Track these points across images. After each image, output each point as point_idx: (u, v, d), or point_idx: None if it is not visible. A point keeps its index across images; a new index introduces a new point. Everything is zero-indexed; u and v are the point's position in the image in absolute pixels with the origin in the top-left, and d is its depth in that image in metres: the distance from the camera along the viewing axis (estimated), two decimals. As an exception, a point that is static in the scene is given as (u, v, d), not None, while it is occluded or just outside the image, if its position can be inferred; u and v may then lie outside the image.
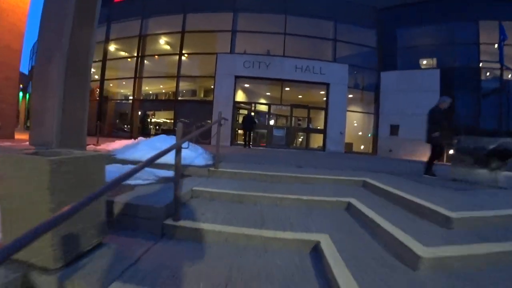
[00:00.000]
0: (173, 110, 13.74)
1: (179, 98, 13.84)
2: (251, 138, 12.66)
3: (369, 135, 15.53)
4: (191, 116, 13.69)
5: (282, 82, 13.30)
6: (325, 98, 13.87)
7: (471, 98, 14.58)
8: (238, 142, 14.34)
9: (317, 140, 14.60)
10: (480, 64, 14.59)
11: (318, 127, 14.17)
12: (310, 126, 13.37)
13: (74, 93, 3.88)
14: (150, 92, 16.22)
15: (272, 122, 13.97)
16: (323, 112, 14.25)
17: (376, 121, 15.11)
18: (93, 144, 7.77)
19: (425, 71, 14.69)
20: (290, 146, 13.11)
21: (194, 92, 15.10)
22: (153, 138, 6.17)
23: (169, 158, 2.63)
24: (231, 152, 8.61)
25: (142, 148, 5.21)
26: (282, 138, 12.96)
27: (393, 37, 15.72)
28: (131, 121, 14.71)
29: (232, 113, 12.78)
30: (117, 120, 16.10)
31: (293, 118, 13.50)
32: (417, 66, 15.66)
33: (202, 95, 14.84)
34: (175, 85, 13.81)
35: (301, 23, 14.04)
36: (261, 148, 12.50)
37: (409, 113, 14.39)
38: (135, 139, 7.29)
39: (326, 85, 13.74)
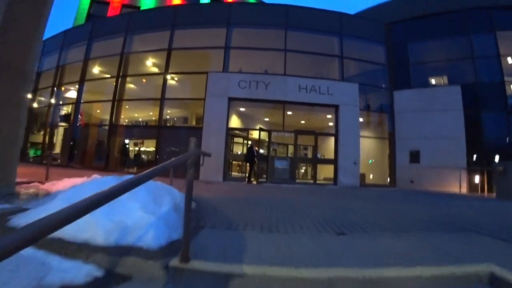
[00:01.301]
0: (156, 138, 11.63)
1: (163, 125, 11.78)
2: (254, 172, 10.51)
3: (370, 161, 13.42)
4: (177, 145, 11.57)
5: (284, 104, 11.38)
6: (333, 123, 11.92)
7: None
8: (233, 175, 12.12)
9: (326, 172, 12.45)
10: (505, 78, 12.92)
11: (328, 157, 12.07)
12: (318, 156, 11.30)
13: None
14: (131, 118, 14.20)
15: (273, 152, 11.82)
16: (332, 139, 12.22)
17: (392, 147, 13.09)
18: (38, 182, 5.73)
19: (445, 88, 12.93)
20: (294, 181, 10.91)
21: (181, 118, 13.10)
22: (88, 182, 3.93)
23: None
24: (223, 194, 6.37)
25: (59, 202, 2.96)
26: (286, 171, 10.80)
27: (404, 52, 14.14)
28: (107, 150, 12.52)
29: (226, 141, 10.70)
30: (94, 149, 13.90)
31: (298, 147, 11.40)
32: (432, 84, 13.95)
33: (192, 121, 12.83)
34: (159, 109, 11.82)
35: (302, 38, 12.41)
36: (261, 184, 10.28)
37: (430, 136, 12.45)
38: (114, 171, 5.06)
39: (335, 107, 11.83)
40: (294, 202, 5.49)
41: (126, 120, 13.80)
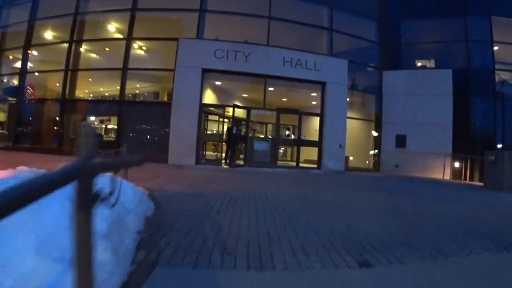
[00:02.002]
0: (118, 115, 9.98)
1: (126, 100, 10.13)
2: (231, 155, 9.35)
3: (372, 152, 12.73)
4: (142, 123, 10.04)
5: (265, 79, 10.09)
6: (319, 102, 10.87)
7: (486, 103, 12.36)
8: (207, 157, 10.86)
9: (308, 154, 11.52)
10: (495, 66, 12.45)
11: (311, 139, 11.09)
12: (303, 137, 10.28)
13: None
14: (90, 91, 12.24)
15: (252, 132, 10.62)
16: (316, 120, 11.23)
17: (378, 130, 12.38)
18: None
19: (436, 72, 12.24)
20: (276, 164, 9.87)
21: (150, 93, 11.40)
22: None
23: None
24: (194, 185, 5.13)
25: None
26: (266, 153, 9.71)
27: (397, 31, 13.21)
28: (61, 129, 10.69)
29: (199, 119, 9.33)
30: (46, 128, 11.91)
31: (280, 127, 10.27)
32: (423, 66, 13.24)
33: (163, 96, 11.21)
34: (120, 81, 10.09)
35: (289, 6, 10.99)
36: (239, 168, 9.12)
37: (419, 120, 11.85)
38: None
39: (322, 85, 10.75)
40: (283, 198, 4.38)
41: (83, 94, 11.87)
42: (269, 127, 13.58)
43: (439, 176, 11.50)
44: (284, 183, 6.18)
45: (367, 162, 12.80)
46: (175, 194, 4.15)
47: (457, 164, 11.92)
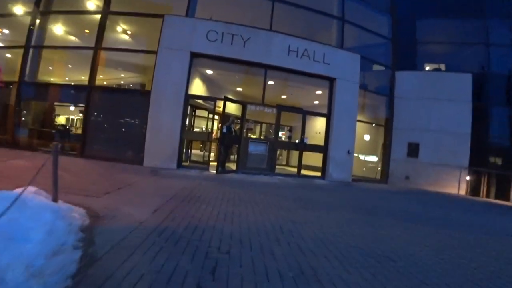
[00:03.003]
0: (86, 103, 8.19)
1: (96, 85, 8.33)
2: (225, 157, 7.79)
3: (375, 159, 11.35)
4: (114, 114, 8.30)
5: (266, 69, 8.53)
6: (326, 101, 9.39)
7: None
8: (193, 158, 9.20)
9: (309, 159, 10.02)
10: (517, 71, 11.31)
11: (313, 143, 9.58)
12: (306, 141, 8.76)
13: None
14: (56, 74, 10.31)
15: (247, 133, 9.03)
16: (320, 121, 9.78)
17: (387, 137, 11.03)
18: None
19: (454, 75, 10.94)
20: (273, 171, 8.29)
21: (125, 78, 9.61)
22: None
23: None
24: (165, 202, 3.46)
25: None
26: (263, 158, 8.15)
27: (412, 28, 11.92)
28: (17, 118, 8.80)
29: (183, 113, 7.67)
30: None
31: (280, 128, 8.73)
32: (440, 68, 11.99)
33: (138, 82, 9.45)
34: (92, 63, 8.30)
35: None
36: (229, 175, 7.50)
37: (433, 128, 10.58)
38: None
39: (330, 81, 9.30)
40: (300, 242, 2.81)
41: (47, 77, 9.97)
42: (266, 127, 12.03)
43: (453, 190, 10.26)
44: (289, 204, 4.61)
45: (374, 172, 11.40)
46: (131, 231, 2.53)
47: (473, 178, 10.71)
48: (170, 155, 7.39)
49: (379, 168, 11.40)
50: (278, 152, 11.61)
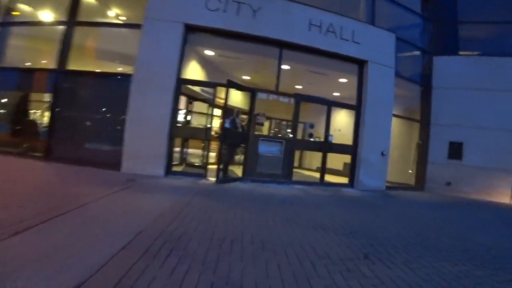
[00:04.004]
0: (53, 91, 6.45)
1: (67, 70, 6.57)
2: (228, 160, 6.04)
3: (412, 158, 9.44)
4: (90, 106, 6.55)
5: (281, 49, 6.70)
6: (355, 89, 7.54)
7: None
8: (193, 160, 7.43)
9: (336, 164, 8.20)
10: None
11: (337, 142, 7.73)
12: (331, 140, 6.91)
13: None
14: (14, 55, 8.37)
15: (256, 129, 7.19)
16: (345, 116, 7.95)
17: (423, 134, 9.14)
18: None
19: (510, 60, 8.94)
20: (290, 179, 6.46)
21: (101, 60, 7.66)
22: None
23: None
24: (121, 250, 1.67)
25: None
26: (277, 161, 6.32)
27: (455, 5, 9.89)
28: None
29: (173, 103, 5.89)
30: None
31: (298, 123, 6.86)
32: (490, 52, 9.94)
33: (117, 64, 7.61)
34: (63, 42, 6.56)
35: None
36: (233, 185, 5.67)
37: (483, 124, 8.63)
38: None
39: (360, 65, 7.45)
40: None
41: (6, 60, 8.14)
42: (276, 124, 10.20)
43: (504, 199, 8.37)
44: (343, 249, 2.76)
45: (405, 175, 9.49)
46: None
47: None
48: (156, 158, 5.63)
49: (410, 171, 9.51)
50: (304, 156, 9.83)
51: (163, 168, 5.67)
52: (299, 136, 6.66)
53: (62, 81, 6.48)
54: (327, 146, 6.81)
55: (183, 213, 3.18)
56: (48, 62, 6.83)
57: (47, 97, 6.80)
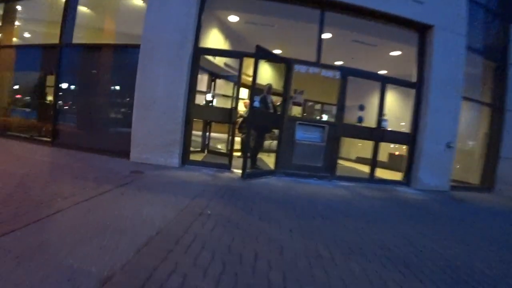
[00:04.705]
0: (56, 69, 5.63)
1: (74, 42, 5.70)
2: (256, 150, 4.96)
3: (479, 152, 7.69)
4: (97, 85, 5.65)
5: (322, 11, 5.33)
6: (415, 64, 5.98)
7: None
8: (215, 148, 6.39)
9: (365, 151, 6.74)
10: None
11: (398, 130, 6.26)
12: (385, 125, 5.49)
13: None
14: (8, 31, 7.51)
15: (291, 110, 5.91)
16: (400, 97, 6.43)
17: (496, 122, 7.36)
18: None
19: None
20: (334, 173, 5.17)
21: (106, 33, 6.60)
22: None
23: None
24: None
25: None
26: (318, 151, 5.05)
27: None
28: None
29: (190, 78, 4.80)
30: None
31: (343, 105, 5.44)
32: None
33: (124, 35, 6.61)
34: (62, 13, 5.70)
35: None
36: (262, 182, 4.51)
37: None
38: None
39: (421, 32, 5.88)
40: None
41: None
42: (313, 106, 8.82)
43: None
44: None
45: (471, 172, 7.78)
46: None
47: None
48: (169, 145, 4.60)
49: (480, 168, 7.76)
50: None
51: (178, 157, 4.64)
52: (345, 120, 5.26)
53: (65, 57, 5.63)
54: (379, 134, 5.41)
55: (190, 233, 2.07)
56: (50, 37, 5.99)
57: (51, 77, 6.00)
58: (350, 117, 5.91)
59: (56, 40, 5.66)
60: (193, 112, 4.85)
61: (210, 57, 5.86)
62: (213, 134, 7.29)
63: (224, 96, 7.05)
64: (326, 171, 5.07)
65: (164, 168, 4.43)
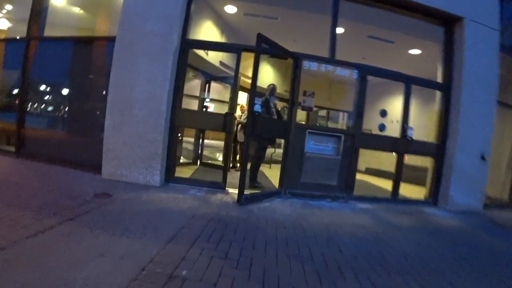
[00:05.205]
0: (23, 66, 4.80)
1: (45, 35, 4.87)
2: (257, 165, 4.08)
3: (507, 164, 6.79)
4: (69, 85, 4.80)
5: (335, 0, 4.51)
6: (441, 62, 5.14)
7: None
8: (209, 159, 5.51)
9: (377, 161, 5.87)
10: None
11: (423, 139, 5.38)
12: (411, 134, 4.60)
13: None
14: None
15: (298, 116, 5.02)
16: (429, 99, 5.58)
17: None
18: None
19: None
20: (351, 193, 4.28)
21: (79, 24, 5.72)
22: None
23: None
24: None
25: None
26: (332, 166, 4.17)
27: None
28: None
29: (176, 74, 3.94)
30: None
31: (363, 111, 4.56)
32: None
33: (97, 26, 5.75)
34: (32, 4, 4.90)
35: None
36: (263, 207, 3.62)
37: None
38: None
39: (448, 25, 5.06)
40: None
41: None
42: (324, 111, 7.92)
43: None
44: None
45: (497, 189, 6.88)
46: None
47: None
48: (148, 158, 3.72)
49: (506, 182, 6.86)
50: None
51: (160, 173, 3.75)
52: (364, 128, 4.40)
53: (32, 51, 4.79)
54: (404, 144, 4.53)
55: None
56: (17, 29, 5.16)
57: (17, 73, 5.15)
58: (369, 125, 5.06)
59: (23, 34, 4.84)
60: (179, 118, 3.98)
61: (202, 54, 5.02)
62: (208, 142, 6.42)
63: (219, 101, 6.19)
64: (341, 191, 4.17)
65: (141, 188, 3.54)
